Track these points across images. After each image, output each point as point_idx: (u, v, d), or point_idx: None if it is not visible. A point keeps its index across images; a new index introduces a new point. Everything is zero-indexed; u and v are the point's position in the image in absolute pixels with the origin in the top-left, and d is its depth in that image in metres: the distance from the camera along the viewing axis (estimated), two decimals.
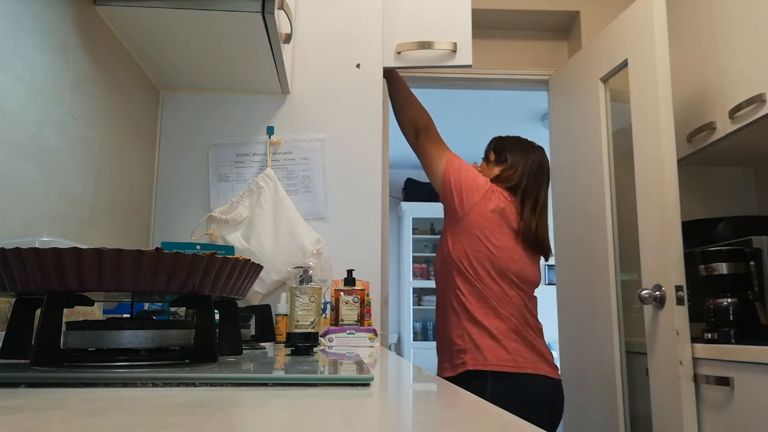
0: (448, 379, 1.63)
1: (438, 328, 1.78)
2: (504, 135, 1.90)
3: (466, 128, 4.75)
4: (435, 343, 1.80)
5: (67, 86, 1.25)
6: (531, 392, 1.58)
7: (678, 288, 1.78)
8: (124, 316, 1.15)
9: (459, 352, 1.64)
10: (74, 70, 1.28)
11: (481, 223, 1.67)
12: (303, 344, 0.95)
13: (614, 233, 2.18)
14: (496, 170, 1.80)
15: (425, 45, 1.89)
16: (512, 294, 1.65)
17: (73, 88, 1.27)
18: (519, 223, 1.69)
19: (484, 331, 1.62)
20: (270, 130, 1.84)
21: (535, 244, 1.71)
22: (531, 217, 1.70)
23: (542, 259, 1.76)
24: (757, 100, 1.76)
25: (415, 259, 5.53)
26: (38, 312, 0.69)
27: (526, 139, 1.86)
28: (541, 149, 1.84)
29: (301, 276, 1.45)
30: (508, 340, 1.61)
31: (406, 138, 1.91)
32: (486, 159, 1.87)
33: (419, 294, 5.59)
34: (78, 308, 1.13)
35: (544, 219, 1.74)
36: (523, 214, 1.70)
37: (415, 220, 5.55)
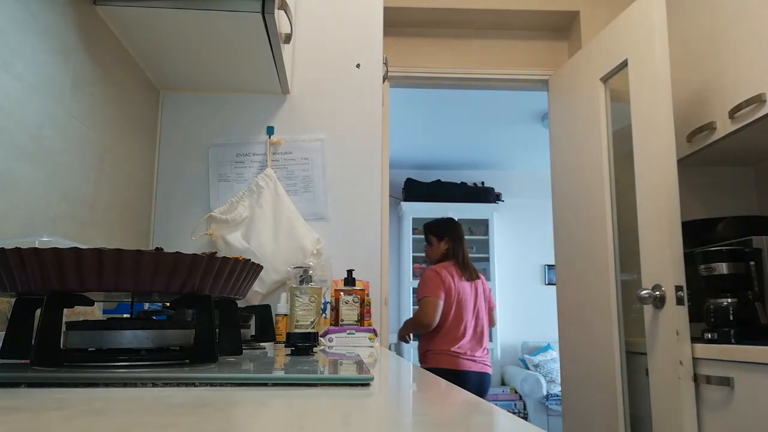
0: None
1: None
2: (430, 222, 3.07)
3: (466, 128, 4.75)
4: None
5: (67, 86, 1.25)
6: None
7: (678, 288, 1.78)
8: (124, 316, 1.15)
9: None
10: (74, 70, 1.28)
11: None
12: (303, 344, 0.95)
13: (614, 233, 2.18)
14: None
15: None
16: None
17: (73, 88, 1.27)
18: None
19: None
20: (270, 130, 1.84)
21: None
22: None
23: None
24: (757, 100, 1.76)
25: (415, 259, 5.53)
26: (38, 312, 0.69)
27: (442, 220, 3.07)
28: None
29: (301, 276, 1.45)
30: None
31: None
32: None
33: None
34: (78, 308, 1.13)
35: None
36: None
37: (415, 220, 5.55)
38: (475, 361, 2.76)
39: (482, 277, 2.99)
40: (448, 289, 2.77)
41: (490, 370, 2.84)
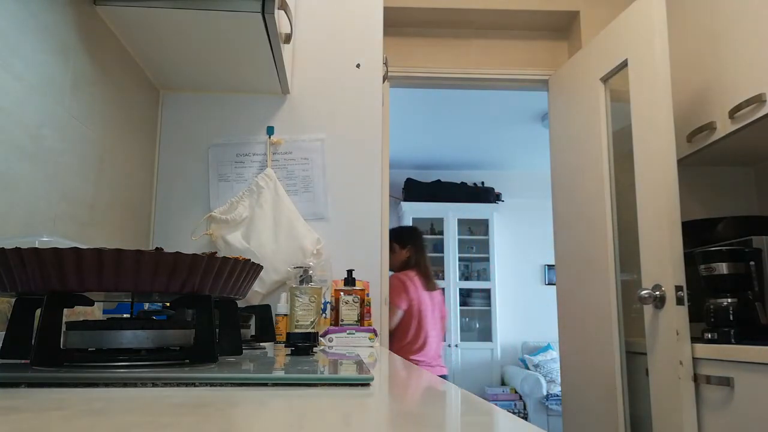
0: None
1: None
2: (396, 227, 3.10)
3: (466, 128, 4.75)
4: None
5: (67, 86, 1.25)
6: None
7: (678, 288, 1.78)
8: (124, 316, 1.15)
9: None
10: (74, 70, 1.28)
11: None
12: (303, 344, 0.95)
13: (614, 233, 2.18)
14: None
15: None
16: None
17: (73, 88, 1.27)
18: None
19: None
20: (270, 130, 1.84)
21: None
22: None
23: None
24: (757, 100, 1.76)
25: None
26: (38, 312, 0.69)
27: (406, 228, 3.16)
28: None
29: (301, 276, 1.45)
30: None
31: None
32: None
33: None
34: (78, 308, 1.13)
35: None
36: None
37: (415, 220, 5.55)
38: (432, 366, 2.90)
39: (438, 288, 3.12)
40: (411, 298, 2.84)
41: (446, 371, 3.00)
